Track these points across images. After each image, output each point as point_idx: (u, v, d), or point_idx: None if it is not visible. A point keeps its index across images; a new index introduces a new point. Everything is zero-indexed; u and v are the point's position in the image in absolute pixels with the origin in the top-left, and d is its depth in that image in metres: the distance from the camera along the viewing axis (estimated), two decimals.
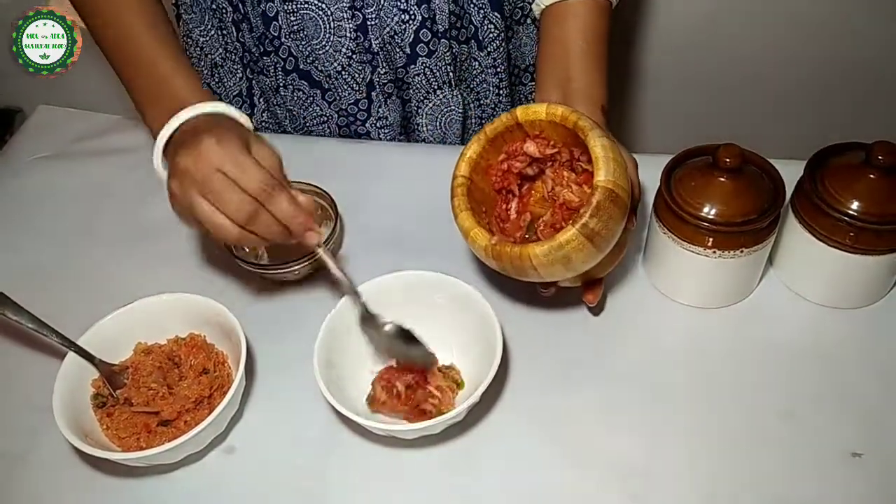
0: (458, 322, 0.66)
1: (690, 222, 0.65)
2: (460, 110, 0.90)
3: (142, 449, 0.61)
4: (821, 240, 0.67)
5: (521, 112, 0.62)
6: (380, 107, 0.88)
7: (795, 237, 0.69)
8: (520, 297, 0.73)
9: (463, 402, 0.60)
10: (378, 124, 0.90)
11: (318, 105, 0.89)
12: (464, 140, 0.94)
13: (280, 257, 0.75)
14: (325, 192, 0.77)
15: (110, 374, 0.65)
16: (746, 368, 0.68)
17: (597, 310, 0.71)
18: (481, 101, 0.92)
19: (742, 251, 0.66)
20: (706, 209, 0.65)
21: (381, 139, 0.91)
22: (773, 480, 0.60)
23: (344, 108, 0.88)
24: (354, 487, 0.62)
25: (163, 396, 0.64)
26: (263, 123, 0.94)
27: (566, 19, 0.76)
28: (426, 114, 0.90)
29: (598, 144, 0.58)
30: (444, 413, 0.62)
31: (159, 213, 0.84)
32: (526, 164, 0.66)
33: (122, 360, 0.68)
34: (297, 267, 0.72)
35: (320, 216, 0.79)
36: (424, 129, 0.91)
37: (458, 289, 0.66)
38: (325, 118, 0.90)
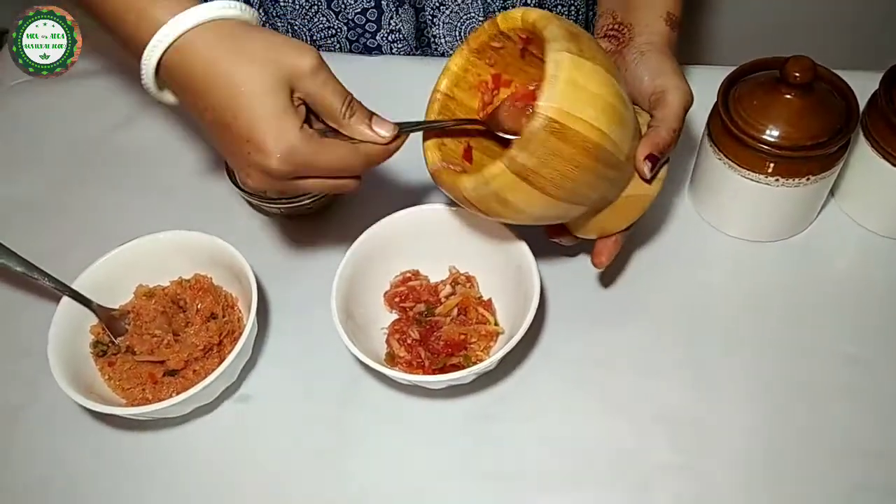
0: (490, 260, 0.60)
1: (750, 145, 0.58)
2: (481, 18, 0.81)
3: (148, 401, 0.57)
4: (895, 164, 0.59)
5: (501, 20, 0.53)
6: (391, 17, 0.79)
7: (864, 162, 0.62)
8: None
9: (498, 349, 0.54)
10: (390, 37, 0.81)
11: (323, 15, 0.80)
12: None
13: None
14: None
15: (110, 320, 0.60)
16: (805, 308, 0.62)
17: (605, 279, 0.64)
18: (507, 7, 0.83)
19: (808, 179, 0.58)
20: (770, 131, 0.57)
21: (393, 54, 0.83)
22: (837, 432, 0.56)
23: (351, 18, 0.80)
24: (377, 439, 0.58)
25: (168, 344, 0.59)
26: None
27: None
28: (443, 23, 0.81)
29: (553, 59, 0.45)
30: (475, 362, 0.57)
31: (156, 137, 0.78)
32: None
33: (121, 304, 0.62)
34: (308, 200, 0.66)
35: None
36: (442, 40, 0.83)
37: (490, 224, 0.60)
38: (333, 31, 0.82)
